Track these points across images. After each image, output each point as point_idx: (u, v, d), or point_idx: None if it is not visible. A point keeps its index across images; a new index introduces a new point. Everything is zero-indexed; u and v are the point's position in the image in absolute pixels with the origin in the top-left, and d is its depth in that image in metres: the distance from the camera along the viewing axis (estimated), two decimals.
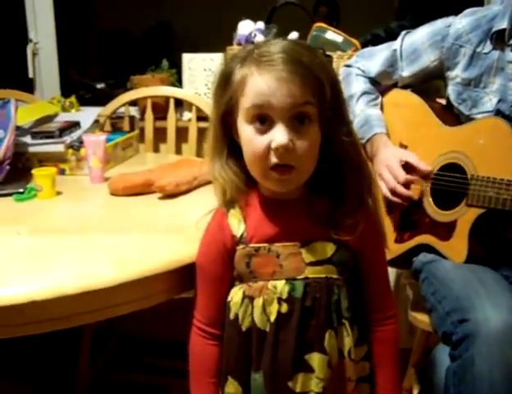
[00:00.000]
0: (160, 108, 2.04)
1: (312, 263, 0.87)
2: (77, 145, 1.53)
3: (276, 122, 0.81)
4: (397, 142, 1.45)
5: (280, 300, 0.86)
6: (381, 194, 1.36)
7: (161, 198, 1.29)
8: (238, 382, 0.91)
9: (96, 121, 1.80)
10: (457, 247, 1.28)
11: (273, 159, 0.81)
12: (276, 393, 0.88)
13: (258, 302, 0.87)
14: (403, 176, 1.34)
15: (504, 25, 1.30)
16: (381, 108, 1.51)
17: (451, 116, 1.41)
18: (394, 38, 1.51)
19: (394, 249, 1.41)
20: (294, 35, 1.93)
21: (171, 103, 1.98)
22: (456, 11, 1.41)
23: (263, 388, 0.88)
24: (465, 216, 1.27)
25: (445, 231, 1.31)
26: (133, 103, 2.07)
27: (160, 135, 2.03)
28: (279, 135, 0.80)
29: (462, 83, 1.37)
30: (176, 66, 2.18)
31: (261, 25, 1.97)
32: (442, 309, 1.19)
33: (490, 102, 1.33)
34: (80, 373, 1.81)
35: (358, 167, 0.88)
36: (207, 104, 1.91)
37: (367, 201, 0.90)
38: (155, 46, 3.74)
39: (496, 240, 1.29)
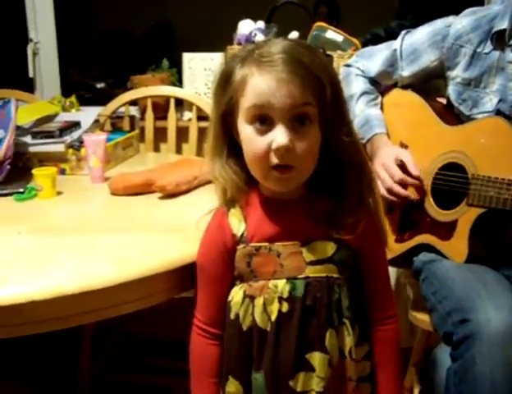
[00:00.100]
0: (160, 108, 2.04)
1: (312, 263, 0.87)
2: (77, 145, 1.53)
3: (276, 123, 0.81)
4: (397, 142, 1.45)
5: (281, 300, 0.86)
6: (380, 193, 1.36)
7: (161, 197, 1.29)
8: (239, 381, 0.91)
9: (96, 121, 1.80)
10: (458, 247, 1.28)
11: (274, 160, 0.81)
12: (277, 392, 0.88)
13: (259, 301, 0.87)
14: (398, 175, 1.34)
15: (504, 25, 1.30)
16: (382, 108, 1.51)
17: (452, 115, 1.41)
18: (394, 37, 1.51)
19: (394, 248, 1.40)
20: (294, 35, 1.93)
21: (172, 102, 1.98)
22: (456, 11, 1.41)
23: (264, 388, 0.88)
24: (466, 215, 1.27)
25: (446, 230, 1.31)
26: (133, 102, 2.07)
27: (160, 135, 2.03)
28: (279, 135, 0.80)
29: (462, 83, 1.37)
30: (177, 65, 2.18)
31: (261, 24, 1.97)
32: (443, 309, 1.19)
33: (490, 102, 1.33)
34: (80, 373, 1.81)
35: (359, 166, 0.88)
36: (207, 104, 1.91)
37: (367, 200, 0.90)
38: (155, 46, 3.74)
39: (496, 240, 1.29)
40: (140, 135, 1.93)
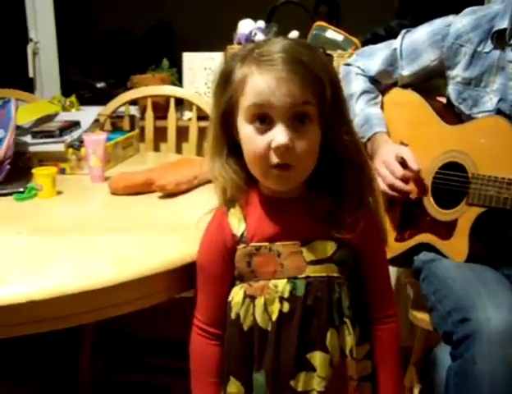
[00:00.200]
0: (160, 108, 2.04)
1: (313, 262, 0.87)
2: (77, 145, 1.53)
3: (276, 122, 0.81)
4: (398, 141, 1.44)
5: (281, 299, 0.86)
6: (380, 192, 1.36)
7: (161, 197, 1.29)
8: (240, 381, 0.90)
9: (96, 121, 1.80)
10: (458, 246, 1.27)
11: (273, 159, 0.81)
12: (278, 392, 0.88)
13: (260, 301, 0.87)
14: (400, 171, 1.34)
15: (504, 24, 1.29)
16: (382, 107, 1.51)
17: (452, 114, 1.41)
18: (394, 37, 1.51)
19: (394, 247, 1.40)
20: (294, 34, 1.93)
21: (172, 102, 1.98)
22: (456, 10, 1.41)
23: (265, 388, 0.88)
24: (466, 215, 1.27)
25: (446, 230, 1.31)
26: (133, 102, 2.07)
27: (160, 135, 2.03)
28: (279, 134, 0.80)
29: (462, 82, 1.37)
30: (177, 65, 2.18)
31: (261, 23, 1.97)
32: (443, 309, 1.19)
33: (490, 101, 1.33)
34: (80, 372, 1.81)
35: (359, 165, 0.88)
36: (207, 103, 1.91)
37: (367, 199, 0.90)
38: (155, 46, 3.74)
39: (496, 239, 1.29)
40: (140, 135, 1.93)
